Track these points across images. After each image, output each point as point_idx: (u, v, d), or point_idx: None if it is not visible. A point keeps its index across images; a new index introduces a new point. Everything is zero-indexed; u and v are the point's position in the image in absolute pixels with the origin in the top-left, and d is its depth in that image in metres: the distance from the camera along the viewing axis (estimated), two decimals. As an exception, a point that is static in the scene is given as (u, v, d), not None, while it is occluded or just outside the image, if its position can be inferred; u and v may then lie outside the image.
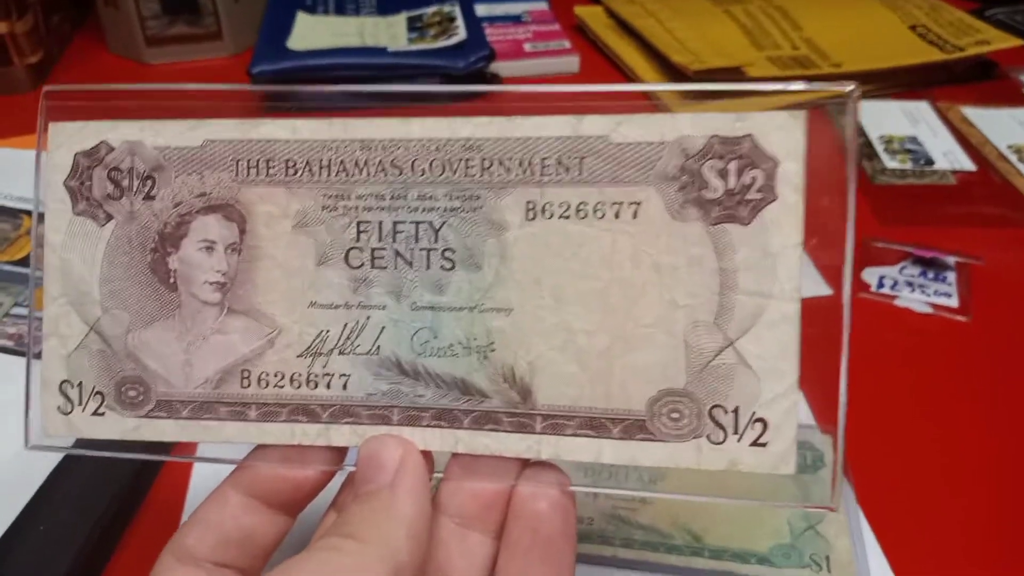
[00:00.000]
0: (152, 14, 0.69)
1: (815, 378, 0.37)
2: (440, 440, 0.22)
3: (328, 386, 0.23)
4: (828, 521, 0.31)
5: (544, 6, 0.77)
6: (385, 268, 0.23)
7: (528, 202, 0.22)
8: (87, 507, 0.31)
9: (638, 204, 0.21)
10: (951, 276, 0.44)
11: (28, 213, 0.46)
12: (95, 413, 0.24)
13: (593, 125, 0.21)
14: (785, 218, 0.21)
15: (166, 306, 0.23)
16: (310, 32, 0.65)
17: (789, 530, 0.31)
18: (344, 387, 0.23)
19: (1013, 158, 0.54)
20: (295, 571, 0.19)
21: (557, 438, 0.22)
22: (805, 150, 0.21)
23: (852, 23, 0.69)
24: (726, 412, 0.21)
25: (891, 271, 0.44)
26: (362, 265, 0.23)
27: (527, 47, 0.68)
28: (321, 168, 0.23)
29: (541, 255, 0.22)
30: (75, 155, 0.24)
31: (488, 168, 0.22)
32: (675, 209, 0.21)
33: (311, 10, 0.70)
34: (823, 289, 0.43)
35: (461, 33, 0.63)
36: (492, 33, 0.69)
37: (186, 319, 0.23)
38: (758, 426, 0.21)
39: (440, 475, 0.23)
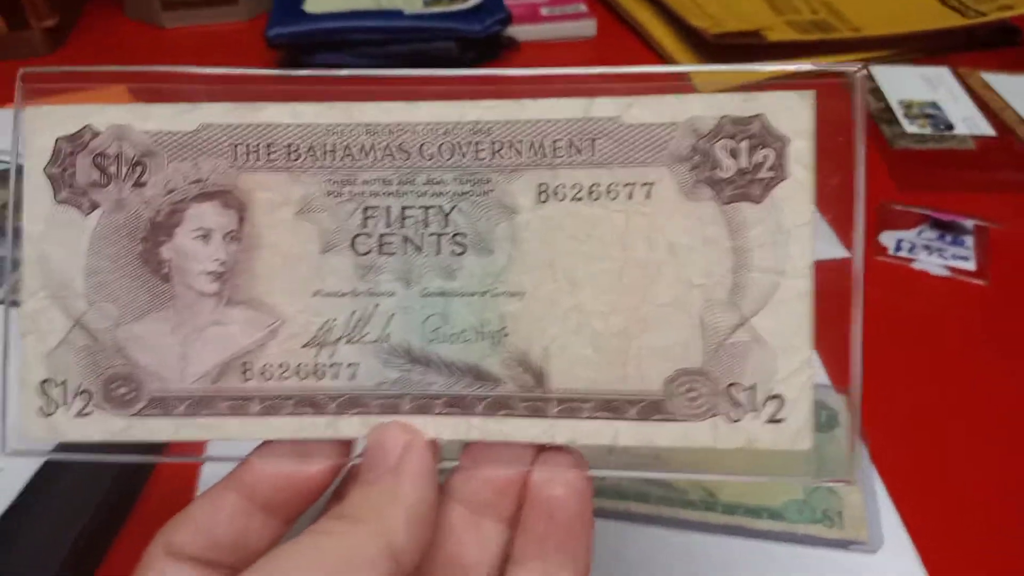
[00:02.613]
0: (168, -22, 0.68)
1: (830, 339, 0.37)
2: (453, 428, 0.22)
3: (336, 376, 0.22)
4: (842, 478, 0.31)
5: (561, -30, 0.77)
6: (394, 254, 0.22)
7: (540, 184, 0.22)
8: (71, 514, 0.30)
9: (651, 185, 0.21)
10: (969, 240, 0.44)
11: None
12: (80, 413, 0.22)
13: (604, 107, 0.21)
14: (796, 195, 0.21)
15: (158, 298, 0.22)
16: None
17: (803, 486, 0.31)
18: (352, 377, 0.22)
19: (1034, 124, 0.54)
20: (285, 556, 0.19)
21: (573, 422, 0.22)
22: (814, 128, 0.21)
23: (873, -13, 0.68)
24: (742, 389, 0.21)
25: (909, 235, 0.44)
26: (369, 251, 0.22)
27: (543, 11, 0.68)
28: (325, 153, 0.22)
29: (554, 238, 0.22)
30: (56, 140, 0.22)
31: (498, 151, 0.22)
32: (688, 189, 0.21)
33: (326, -27, 0.69)
34: (839, 251, 0.43)
35: (477, -4, 0.63)
36: (508, -3, 0.69)
37: (181, 311, 0.22)
38: (774, 403, 0.21)
39: (453, 463, 0.22)
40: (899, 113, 0.55)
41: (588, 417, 0.22)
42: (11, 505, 0.30)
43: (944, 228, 0.44)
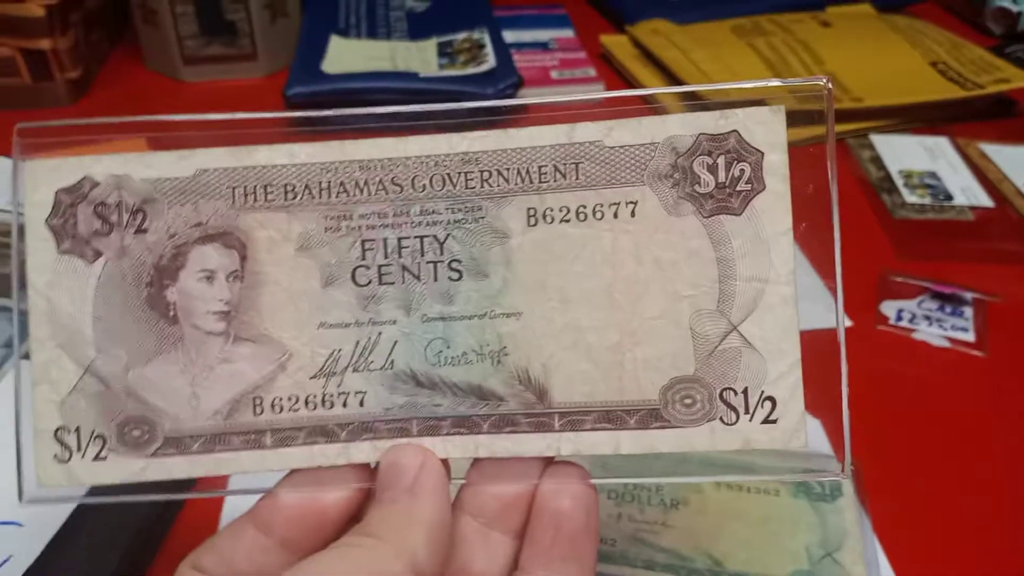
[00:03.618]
0: (190, 34, 0.70)
1: (832, 409, 0.38)
2: (461, 447, 0.23)
3: (344, 405, 0.23)
4: (845, 549, 0.32)
5: (571, 34, 0.79)
6: (393, 284, 0.23)
7: (529, 209, 0.23)
8: (101, 555, 0.31)
9: (635, 203, 0.22)
10: (968, 311, 0.45)
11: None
12: (97, 458, 0.23)
13: (586, 132, 0.23)
14: (774, 206, 0.22)
15: (167, 340, 0.23)
16: (344, 55, 0.66)
17: (807, 557, 0.32)
18: (361, 404, 0.23)
19: (1031, 195, 0.55)
20: (314, 566, 0.19)
21: (576, 434, 0.23)
22: (787, 141, 0.22)
23: (874, 59, 0.70)
24: (736, 393, 0.22)
25: (909, 305, 0.45)
26: (369, 283, 0.23)
27: (554, 74, 0.70)
28: (321, 190, 0.23)
29: (545, 259, 0.23)
30: (56, 192, 0.23)
31: (487, 179, 0.23)
32: (670, 205, 0.22)
33: (344, 33, 0.71)
34: (830, 321, 0.44)
35: (491, 60, 0.65)
36: (520, 60, 0.71)
37: (190, 351, 0.23)
38: (767, 404, 0.22)
39: (461, 480, 0.23)
40: (899, 182, 0.56)
41: (590, 429, 0.23)
42: (42, 553, 0.31)
43: (944, 299, 0.45)
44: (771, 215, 0.22)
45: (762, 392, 0.22)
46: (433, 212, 0.23)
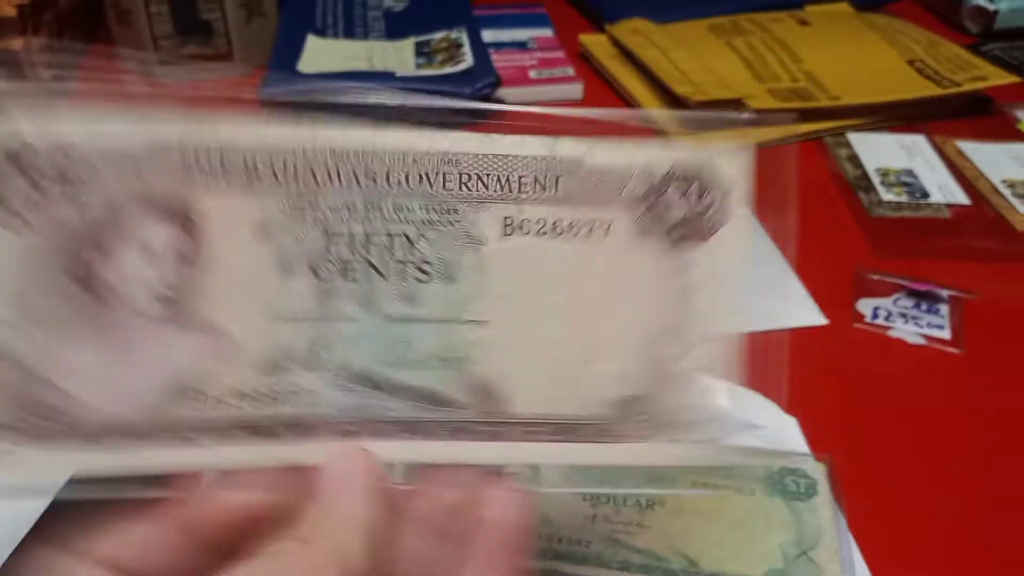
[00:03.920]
0: (164, 33, 0.70)
1: (809, 411, 0.38)
2: (409, 452, 0.22)
3: (293, 403, 0.22)
4: (820, 547, 0.32)
5: (550, 33, 0.79)
6: (356, 280, 0.22)
7: (506, 217, 0.22)
8: None
9: (609, 223, 0.23)
10: (944, 309, 0.45)
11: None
12: (5, 452, 0.20)
13: (567, 147, 0.23)
14: (738, 235, 0.23)
15: (95, 322, 0.21)
16: (320, 55, 0.66)
17: (782, 555, 0.32)
18: (309, 404, 0.22)
19: (1007, 192, 0.55)
20: (245, 572, 0.18)
21: (530, 445, 0.23)
22: (753, 175, 0.23)
23: (852, 57, 0.70)
24: (687, 412, 0.23)
25: (885, 302, 0.45)
26: (331, 276, 0.22)
27: (532, 74, 0.70)
28: (287, 174, 0.21)
29: (517, 270, 0.23)
30: None
31: (467, 182, 0.22)
32: (641, 229, 0.23)
33: (321, 33, 0.71)
34: (818, 319, 0.44)
35: (468, 59, 0.64)
36: (498, 59, 0.70)
37: (121, 336, 0.21)
38: (712, 423, 0.23)
39: (405, 486, 0.23)
40: (876, 181, 0.56)
41: (545, 440, 0.23)
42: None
43: (920, 297, 0.46)
44: (734, 244, 0.23)
45: (708, 411, 0.23)
46: (406, 209, 0.22)
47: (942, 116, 0.65)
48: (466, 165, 0.22)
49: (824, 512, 0.33)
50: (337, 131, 0.22)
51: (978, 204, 0.55)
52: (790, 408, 0.38)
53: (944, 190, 0.56)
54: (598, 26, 0.79)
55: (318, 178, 0.21)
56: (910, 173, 0.57)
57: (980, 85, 0.65)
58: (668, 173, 0.23)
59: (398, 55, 0.67)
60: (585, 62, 0.75)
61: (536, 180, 0.22)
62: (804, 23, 0.76)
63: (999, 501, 0.35)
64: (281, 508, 0.21)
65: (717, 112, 0.24)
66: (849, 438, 0.38)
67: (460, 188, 0.22)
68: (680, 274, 0.23)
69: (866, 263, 0.49)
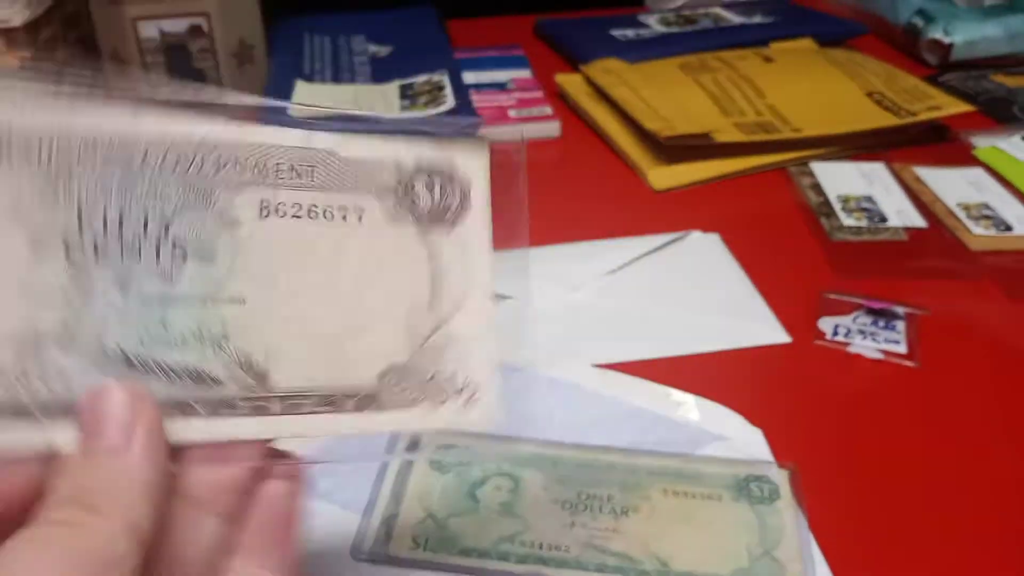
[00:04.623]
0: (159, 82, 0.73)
1: (772, 419, 0.40)
2: (176, 430, 0.22)
3: (45, 384, 0.21)
4: (782, 547, 0.34)
5: (528, 74, 0.82)
6: (109, 259, 0.22)
7: (262, 200, 0.23)
8: None
9: (363, 210, 0.25)
10: (900, 325, 0.48)
11: None
12: None
13: (323, 140, 0.24)
14: (478, 223, 0.26)
15: None
16: (309, 100, 0.69)
17: (747, 555, 0.34)
18: (63, 385, 0.21)
19: (962, 215, 0.59)
20: (13, 557, 0.17)
21: (295, 418, 0.24)
22: (489, 169, 0.26)
23: (813, 91, 0.74)
24: (443, 379, 0.26)
25: (845, 320, 0.48)
26: (83, 256, 0.22)
27: (511, 113, 0.73)
28: (40, 152, 0.21)
29: (274, 250, 0.24)
30: None
31: (223, 167, 0.23)
32: (392, 216, 0.25)
33: (309, 78, 0.74)
34: (783, 337, 0.47)
35: (450, 101, 0.68)
36: (479, 100, 0.74)
37: None
38: (470, 387, 0.26)
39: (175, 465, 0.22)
40: (837, 207, 0.60)
41: (309, 412, 0.24)
42: None
43: (877, 314, 0.48)
44: (475, 231, 0.26)
45: (465, 377, 0.26)
46: (161, 190, 0.22)
47: (900, 144, 0.69)
48: (224, 151, 0.23)
49: (786, 515, 0.36)
50: (92, 113, 0.22)
51: (935, 227, 0.58)
52: (756, 420, 0.41)
53: (902, 214, 0.59)
54: (574, 66, 0.83)
55: (72, 157, 0.21)
56: (869, 199, 0.61)
57: (936, 115, 0.69)
58: (415, 167, 0.25)
59: (383, 98, 0.70)
60: (562, 101, 0.78)
61: (292, 167, 0.24)
62: (768, 60, 0.80)
63: (950, 503, 0.38)
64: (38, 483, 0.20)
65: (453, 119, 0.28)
66: (812, 447, 0.40)
67: (216, 172, 0.23)
68: (430, 258, 0.25)
69: (827, 284, 0.52)
